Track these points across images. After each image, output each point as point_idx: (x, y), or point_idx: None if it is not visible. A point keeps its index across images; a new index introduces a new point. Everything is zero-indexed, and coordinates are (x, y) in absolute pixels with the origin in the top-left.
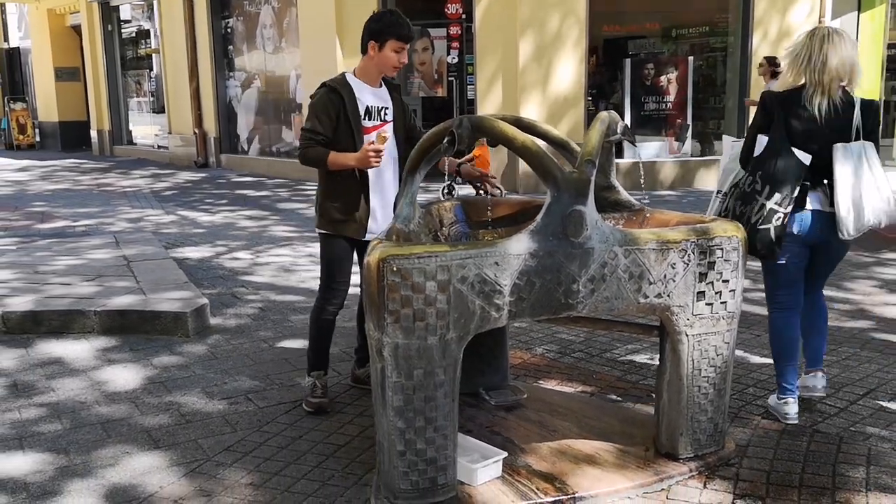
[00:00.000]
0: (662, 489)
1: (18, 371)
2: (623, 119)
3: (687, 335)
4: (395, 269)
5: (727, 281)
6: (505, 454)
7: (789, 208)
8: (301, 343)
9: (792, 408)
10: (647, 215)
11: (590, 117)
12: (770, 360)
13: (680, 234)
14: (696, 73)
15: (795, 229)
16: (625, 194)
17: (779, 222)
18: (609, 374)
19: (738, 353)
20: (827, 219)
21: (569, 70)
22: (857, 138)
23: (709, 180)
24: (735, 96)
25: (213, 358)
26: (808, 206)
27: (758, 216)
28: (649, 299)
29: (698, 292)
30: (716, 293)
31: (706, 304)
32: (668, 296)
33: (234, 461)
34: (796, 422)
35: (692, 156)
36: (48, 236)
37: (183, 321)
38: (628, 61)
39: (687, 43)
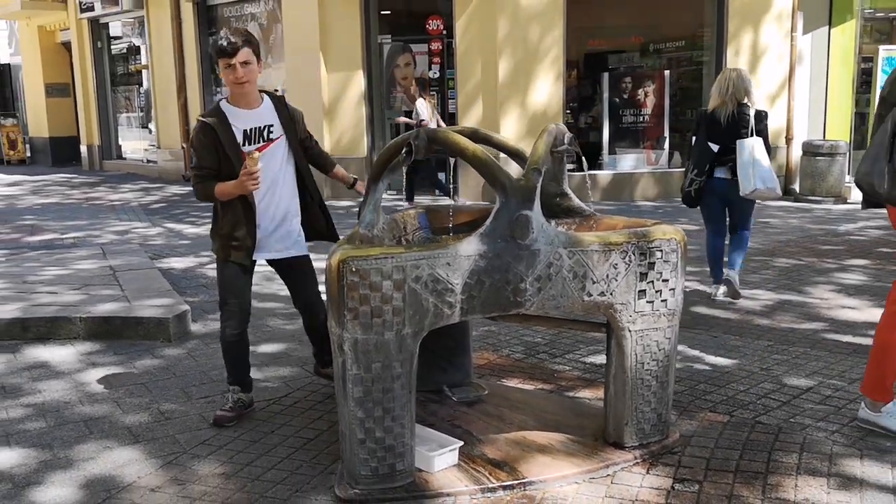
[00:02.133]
0: (608, 475)
1: (5, 374)
2: (602, 131)
3: (630, 331)
4: (353, 269)
5: (667, 280)
6: (461, 443)
7: (703, 178)
8: (276, 347)
9: (719, 290)
10: (597, 220)
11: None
12: (722, 361)
13: (621, 237)
14: (673, 86)
15: (709, 188)
16: (576, 201)
17: (696, 186)
18: (569, 373)
19: (694, 352)
20: (730, 183)
21: (547, 84)
22: (751, 135)
23: None
24: None
25: (192, 360)
26: (716, 174)
27: (686, 181)
28: (593, 297)
29: (639, 291)
30: (656, 292)
31: (647, 301)
32: (611, 294)
33: (209, 454)
34: (722, 299)
35: (669, 167)
36: (37, 248)
37: (165, 326)
38: (607, 75)
39: (664, 57)
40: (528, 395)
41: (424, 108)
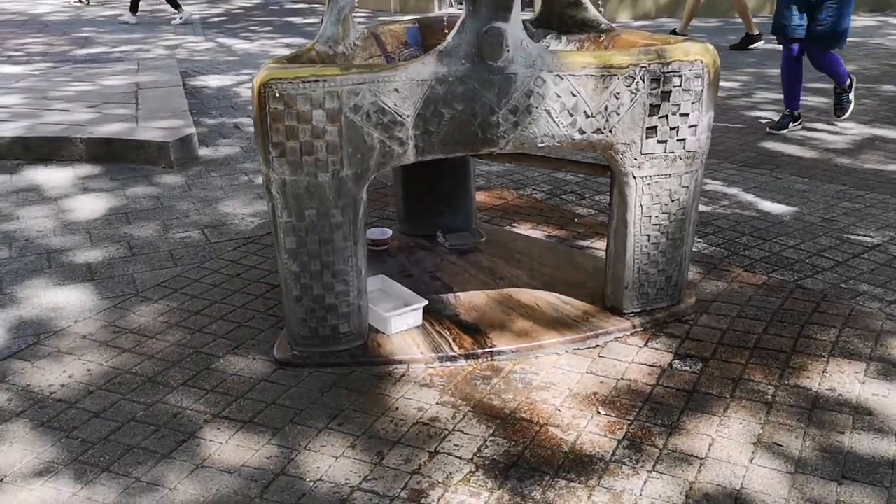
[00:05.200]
0: (597, 346)
1: None
2: None
3: (634, 177)
4: (277, 94)
5: (686, 115)
6: (425, 302)
7: None
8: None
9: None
10: (614, 37)
11: None
12: (778, 208)
13: (627, 58)
14: None
15: None
16: (593, 12)
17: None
18: (592, 218)
19: (748, 196)
20: None
21: None
22: None
23: None
24: None
25: (187, 189)
26: None
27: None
28: (587, 135)
29: (648, 128)
30: (671, 129)
31: (658, 141)
32: (611, 131)
33: (161, 297)
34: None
35: None
36: (80, 62)
37: (166, 151)
38: None
39: None
40: (532, 244)
41: None
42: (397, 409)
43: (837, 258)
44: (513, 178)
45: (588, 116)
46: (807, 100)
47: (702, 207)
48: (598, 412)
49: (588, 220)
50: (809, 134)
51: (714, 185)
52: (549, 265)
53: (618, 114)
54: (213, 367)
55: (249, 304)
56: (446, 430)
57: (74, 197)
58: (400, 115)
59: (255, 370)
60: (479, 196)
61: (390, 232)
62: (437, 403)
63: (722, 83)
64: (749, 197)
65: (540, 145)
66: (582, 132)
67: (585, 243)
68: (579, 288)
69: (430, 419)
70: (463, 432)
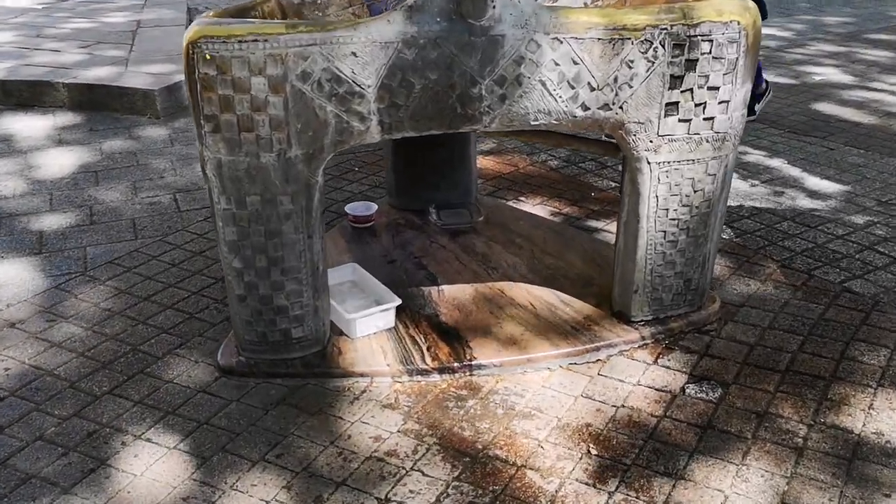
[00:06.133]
0: (598, 360)
1: None
2: None
3: (649, 163)
4: (207, 56)
5: (716, 88)
6: (397, 303)
7: None
8: None
9: None
10: None
11: None
12: (827, 186)
13: (643, 18)
14: None
15: None
16: None
17: None
18: (611, 192)
19: (793, 170)
20: None
21: None
22: None
23: None
24: None
25: (168, 145)
26: None
27: None
28: (591, 112)
29: (668, 104)
30: (697, 105)
31: (680, 120)
32: (621, 108)
33: (111, 277)
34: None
35: None
36: None
37: (151, 100)
38: None
39: None
40: (536, 225)
41: None
42: (350, 437)
43: (894, 254)
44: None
45: (593, 89)
46: (867, 53)
47: (737, 184)
48: (589, 452)
49: (607, 196)
50: (870, 95)
51: (754, 156)
52: (553, 253)
53: (630, 86)
54: (149, 371)
55: (206, 289)
56: (403, 468)
57: (46, 151)
58: (359, 85)
59: (195, 378)
60: (486, 162)
61: (375, 207)
62: (399, 431)
63: (772, 31)
64: (794, 171)
65: (533, 123)
66: (585, 108)
67: (600, 224)
68: (584, 285)
69: (387, 453)
70: (423, 473)
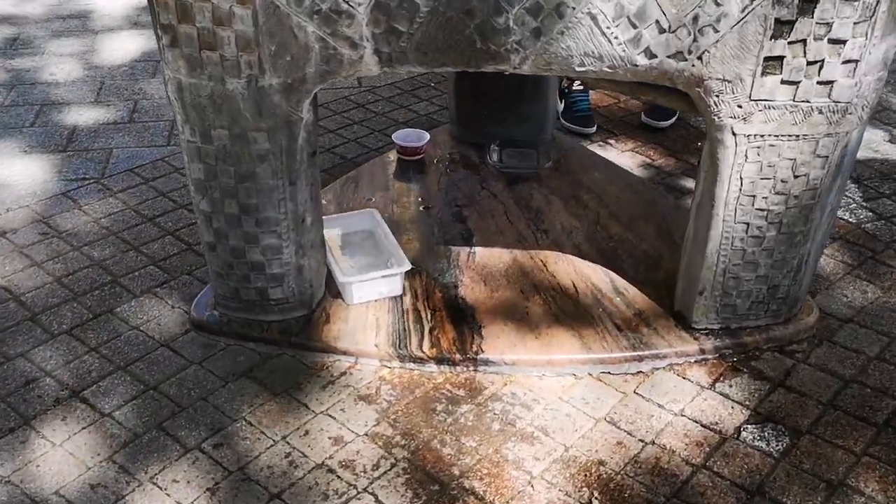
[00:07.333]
0: (639, 372)
1: None
2: None
3: (734, 134)
4: None
5: (841, 42)
6: (408, 267)
7: None
8: None
9: None
10: None
11: None
12: None
13: None
14: None
15: None
16: None
17: None
18: None
19: None
20: None
21: None
22: None
23: None
24: None
25: None
26: None
27: None
28: (658, 60)
29: (769, 58)
30: (810, 64)
31: (784, 81)
32: (700, 58)
33: (125, 188)
34: None
35: None
36: None
37: None
38: None
39: None
40: (614, 178)
41: None
42: (307, 433)
43: None
44: None
45: (663, 31)
46: None
47: (862, 152)
48: (591, 503)
49: None
50: None
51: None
52: (623, 219)
53: (716, 30)
54: (118, 312)
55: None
56: (354, 488)
57: (117, 33)
58: (347, 2)
59: (164, 327)
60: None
61: (427, 137)
62: (366, 434)
63: None
64: None
65: (578, 69)
66: (651, 55)
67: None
68: (649, 267)
69: (343, 463)
70: (376, 499)
